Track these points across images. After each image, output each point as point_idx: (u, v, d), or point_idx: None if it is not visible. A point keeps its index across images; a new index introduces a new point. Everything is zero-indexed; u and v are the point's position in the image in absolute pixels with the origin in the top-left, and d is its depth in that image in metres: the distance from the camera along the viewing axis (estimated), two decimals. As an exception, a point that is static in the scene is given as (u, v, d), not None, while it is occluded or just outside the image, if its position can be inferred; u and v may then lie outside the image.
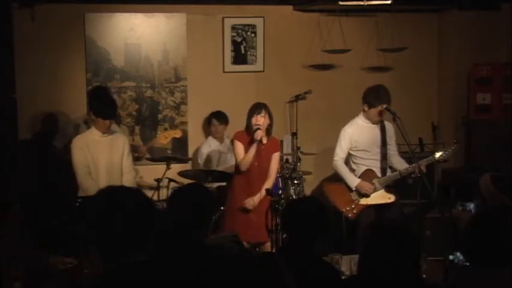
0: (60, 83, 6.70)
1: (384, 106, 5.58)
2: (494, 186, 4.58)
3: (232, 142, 5.67)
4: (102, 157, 5.33)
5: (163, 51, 7.17)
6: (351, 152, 5.73)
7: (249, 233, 5.26)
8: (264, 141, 5.34)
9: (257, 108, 5.38)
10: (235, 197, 5.48)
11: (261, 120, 5.34)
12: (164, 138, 7.14)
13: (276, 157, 5.53)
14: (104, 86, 6.76)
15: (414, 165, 5.52)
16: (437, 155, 5.65)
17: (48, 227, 4.99)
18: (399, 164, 5.74)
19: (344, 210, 5.63)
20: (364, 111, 5.65)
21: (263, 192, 5.25)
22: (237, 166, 5.50)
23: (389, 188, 5.69)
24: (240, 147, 5.42)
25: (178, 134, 7.16)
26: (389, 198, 5.65)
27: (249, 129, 5.40)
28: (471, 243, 2.94)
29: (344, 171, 5.71)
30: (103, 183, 5.10)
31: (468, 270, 3.06)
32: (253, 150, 5.32)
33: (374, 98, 5.57)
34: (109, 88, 6.72)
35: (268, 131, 5.45)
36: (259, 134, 5.28)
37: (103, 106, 5.34)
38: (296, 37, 7.53)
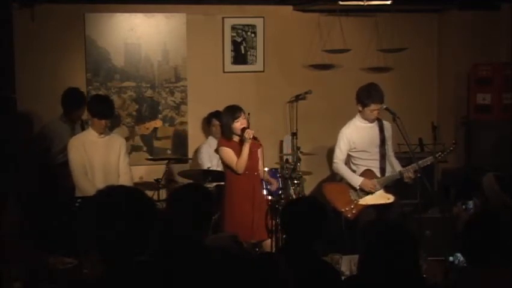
0: (61, 83, 6.69)
1: (384, 107, 5.59)
2: (497, 185, 4.58)
3: (216, 151, 5.67)
4: (98, 158, 5.34)
5: (163, 51, 7.17)
6: (350, 153, 5.73)
7: (249, 233, 5.27)
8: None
9: (236, 112, 5.39)
10: (236, 199, 5.47)
11: (244, 122, 5.38)
12: (145, 129, 7.17)
13: (261, 152, 5.60)
14: (77, 88, 6.69)
15: (413, 165, 5.52)
16: (436, 155, 5.66)
17: (48, 227, 4.98)
18: (395, 166, 5.73)
19: (343, 210, 5.63)
20: (359, 111, 5.66)
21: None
22: (230, 171, 5.48)
23: (388, 188, 5.69)
24: (230, 152, 5.42)
25: (158, 124, 7.19)
26: (388, 198, 5.65)
27: (231, 135, 5.42)
28: (471, 243, 2.94)
29: (345, 172, 5.71)
30: (99, 183, 5.11)
31: (468, 270, 3.06)
32: (246, 150, 5.34)
33: (366, 97, 5.57)
34: (79, 89, 6.66)
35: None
36: (251, 132, 5.31)
37: (99, 106, 5.34)
38: (296, 37, 7.53)
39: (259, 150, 5.57)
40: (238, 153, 5.38)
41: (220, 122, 5.57)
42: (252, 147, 5.42)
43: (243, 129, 5.33)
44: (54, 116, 6.47)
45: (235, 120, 5.36)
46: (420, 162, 5.51)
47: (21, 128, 6.56)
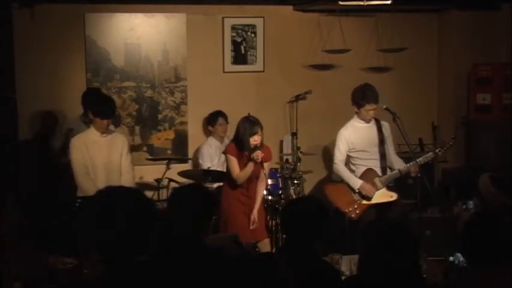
0: (60, 83, 6.69)
1: (384, 106, 5.61)
2: (493, 186, 4.58)
3: (224, 152, 5.65)
4: (100, 157, 5.33)
5: (163, 51, 7.16)
6: (350, 154, 5.74)
7: (246, 235, 5.27)
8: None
9: (254, 127, 5.28)
10: (232, 202, 5.46)
11: (258, 139, 5.30)
12: (157, 139, 7.19)
13: (267, 165, 5.50)
14: (97, 87, 6.75)
15: (413, 162, 5.53)
16: (436, 150, 5.67)
17: (48, 227, 4.99)
18: (398, 163, 5.75)
19: (346, 211, 5.63)
20: (356, 112, 5.69)
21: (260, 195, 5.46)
22: (230, 177, 5.46)
23: (390, 187, 5.70)
24: (234, 162, 5.38)
25: (170, 135, 7.20)
26: (391, 196, 5.66)
27: (243, 144, 5.33)
28: (471, 243, 2.94)
29: (346, 173, 5.72)
30: (101, 183, 5.10)
31: (468, 270, 3.06)
32: (250, 168, 5.30)
33: (360, 98, 5.60)
34: (100, 89, 6.72)
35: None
36: (259, 155, 5.24)
37: (101, 106, 5.34)
38: (296, 37, 7.52)
39: (266, 164, 5.44)
40: (242, 165, 5.36)
41: (227, 121, 5.48)
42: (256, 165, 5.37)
43: (254, 148, 5.27)
44: (54, 116, 6.48)
45: (251, 135, 5.28)
46: (420, 158, 5.52)
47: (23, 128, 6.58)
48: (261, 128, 5.32)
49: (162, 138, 7.22)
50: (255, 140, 5.28)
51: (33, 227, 4.68)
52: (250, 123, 5.31)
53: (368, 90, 5.60)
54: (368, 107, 5.57)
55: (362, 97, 5.57)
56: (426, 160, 5.62)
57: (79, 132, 5.76)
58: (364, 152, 5.69)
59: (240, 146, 5.37)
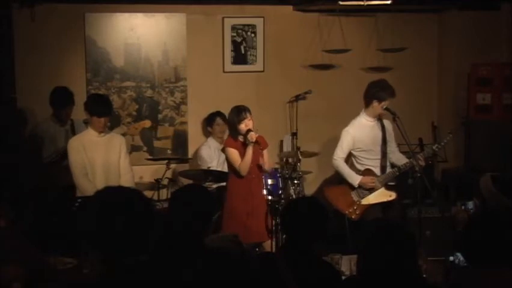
0: (60, 83, 6.68)
1: (384, 106, 5.60)
2: (494, 187, 4.58)
3: (223, 150, 5.67)
4: (98, 157, 5.32)
5: (163, 51, 7.17)
6: (355, 153, 5.73)
7: (248, 235, 5.27)
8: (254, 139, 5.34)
9: (242, 113, 5.37)
10: (235, 200, 5.48)
11: (249, 123, 5.36)
12: (134, 129, 7.16)
13: (266, 153, 5.54)
14: (64, 86, 6.67)
15: (411, 159, 5.53)
16: (433, 146, 5.69)
17: (48, 227, 4.98)
18: (400, 160, 5.74)
19: (347, 212, 5.63)
20: (367, 107, 5.64)
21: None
22: (233, 172, 5.49)
23: (389, 186, 5.70)
24: (235, 153, 5.42)
25: (147, 124, 7.18)
26: (390, 195, 5.66)
27: (237, 135, 5.41)
28: (471, 243, 2.94)
29: (345, 170, 5.71)
30: (99, 183, 5.11)
31: (468, 270, 3.06)
32: (250, 152, 5.34)
33: (382, 91, 5.56)
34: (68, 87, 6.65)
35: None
36: (254, 136, 5.30)
37: (96, 104, 5.33)
38: (296, 37, 7.53)
39: (264, 152, 5.50)
40: (243, 155, 5.39)
41: (226, 121, 5.57)
42: (255, 149, 5.41)
43: (247, 132, 5.32)
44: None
45: (240, 122, 5.36)
46: (419, 154, 5.53)
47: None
48: (250, 113, 5.39)
49: (139, 128, 7.14)
50: (246, 124, 5.35)
51: (33, 227, 4.67)
52: (237, 110, 5.41)
53: (387, 85, 5.62)
54: (384, 103, 5.56)
55: (383, 90, 5.55)
56: (424, 157, 5.61)
57: (53, 132, 5.81)
58: (370, 151, 5.68)
59: (234, 136, 5.43)
